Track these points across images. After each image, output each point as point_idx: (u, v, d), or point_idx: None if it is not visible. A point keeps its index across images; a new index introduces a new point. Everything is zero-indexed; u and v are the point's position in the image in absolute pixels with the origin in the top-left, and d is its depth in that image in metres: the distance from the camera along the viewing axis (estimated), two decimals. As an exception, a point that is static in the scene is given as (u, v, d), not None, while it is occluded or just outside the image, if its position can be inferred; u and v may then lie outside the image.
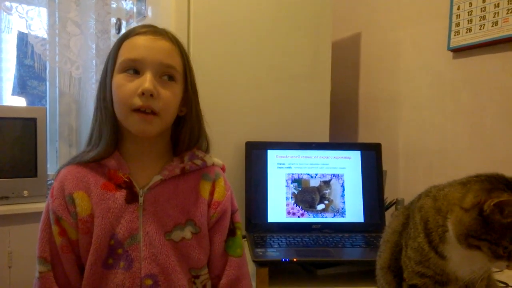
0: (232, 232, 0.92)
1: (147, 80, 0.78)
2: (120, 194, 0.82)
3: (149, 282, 0.81)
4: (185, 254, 0.85)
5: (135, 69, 0.80)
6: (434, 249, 0.70)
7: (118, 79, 0.81)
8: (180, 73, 0.85)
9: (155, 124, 0.81)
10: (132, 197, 0.83)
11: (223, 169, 0.96)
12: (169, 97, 0.81)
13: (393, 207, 1.46)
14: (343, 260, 1.12)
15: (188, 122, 0.88)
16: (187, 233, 0.85)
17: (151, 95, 0.78)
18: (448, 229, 0.67)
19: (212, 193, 0.90)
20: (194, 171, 0.89)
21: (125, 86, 0.79)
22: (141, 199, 0.83)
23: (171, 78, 0.83)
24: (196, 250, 0.86)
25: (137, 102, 0.78)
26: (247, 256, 0.97)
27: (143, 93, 0.78)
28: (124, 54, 0.82)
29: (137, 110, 0.79)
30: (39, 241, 0.82)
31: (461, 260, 0.69)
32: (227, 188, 0.93)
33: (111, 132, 0.84)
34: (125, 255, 0.81)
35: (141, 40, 0.82)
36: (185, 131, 0.88)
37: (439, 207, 0.69)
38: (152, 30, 0.84)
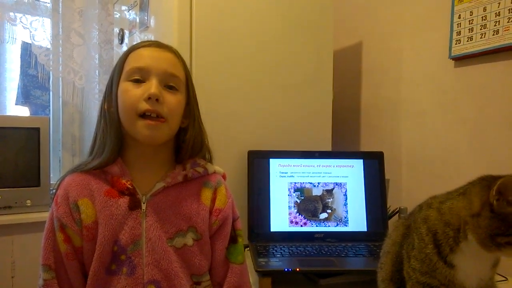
0: (233, 239, 0.93)
1: (153, 85, 0.81)
2: (123, 201, 0.83)
3: None
4: (187, 260, 0.86)
5: (141, 77, 0.83)
6: (443, 259, 0.70)
7: (125, 86, 0.84)
8: (183, 84, 0.88)
9: (162, 130, 0.83)
10: (134, 203, 0.84)
11: (224, 177, 0.98)
12: (174, 103, 0.84)
13: (396, 216, 1.45)
14: (346, 269, 1.12)
15: (190, 132, 0.89)
16: (189, 239, 0.86)
17: (157, 100, 0.81)
18: (461, 240, 0.68)
19: (213, 201, 0.91)
20: (195, 179, 0.91)
21: (132, 92, 0.82)
22: (143, 206, 0.84)
23: (175, 87, 0.85)
24: (197, 257, 0.87)
25: (144, 106, 0.80)
26: (249, 266, 0.97)
27: (149, 98, 0.80)
28: (131, 63, 0.85)
29: (143, 115, 0.81)
30: (43, 248, 0.83)
31: (470, 269, 0.70)
32: (229, 195, 0.94)
33: (115, 139, 0.85)
34: (128, 261, 0.82)
35: (147, 51, 0.86)
36: (188, 140, 0.89)
37: (448, 221, 0.69)
38: (157, 43, 0.88)
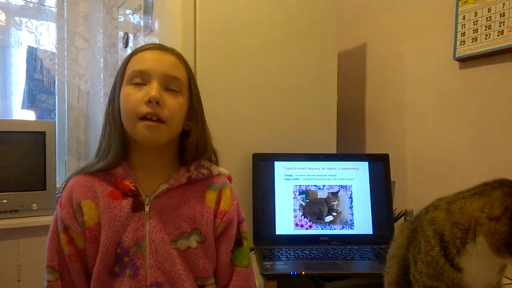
0: (238, 242, 0.93)
1: (153, 89, 0.81)
2: (127, 203, 0.84)
3: None
4: (191, 263, 0.85)
5: (142, 80, 0.83)
6: (450, 262, 0.69)
7: (126, 89, 0.84)
8: (185, 86, 0.88)
9: (162, 131, 0.82)
10: (138, 205, 0.84)
11: (229, 179, 0.97)
12: (175, 106, 0.84)
13: (402, 218, 1.45)
14: (352, 273, 1.12)
15: (193, 134, 0.89)
16: (193, 242, 0.85)
17: (157, 103, 0.81)
18: (468, 242, 0.67)
19: (218, 203, 0.90)
20: (200, 181, 0.90)
21: (133, 95, 0.82)
22: (147, 208, 0.84)
23: (176, 89, 0.85)
24: (201, 259, 0.86)
25: (144, 109, 0.80)
26: (255, 269, 0.97)
27: (149, 101, 0.80)
28: (132, 67, 0.85)
29: (144, 118, 0.81)
30: (47, 250, 0.84)
31: (477, 272, 0.69)
32: (234, 197, 0.93)
33: (119, 142, 0.85)
34: (131, 263, 0.82)
35: (148, 54, 0.86)
36: (191, 142, 0.89)
37: (457, 220, 0.69)
38: (159, 46, 0.88)
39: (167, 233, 0.84)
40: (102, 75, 2.21)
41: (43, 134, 1.81)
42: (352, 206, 1.34)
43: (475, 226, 0.66)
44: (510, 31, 1.22)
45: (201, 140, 0.90)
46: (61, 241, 0.83)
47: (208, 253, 0.88)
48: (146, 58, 0.85)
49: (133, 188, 0.84)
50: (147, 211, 0.84)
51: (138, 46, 0.91)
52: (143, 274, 0.81)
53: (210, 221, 0.88)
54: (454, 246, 0.69)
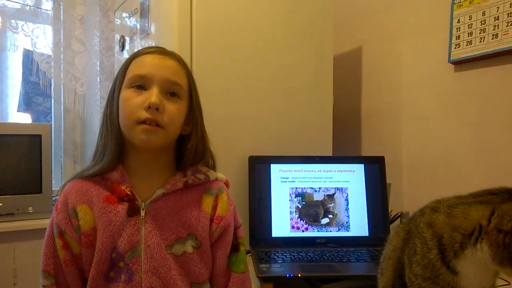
0: (235, 247, 0.92)
1: (153, 94, 0.80)
2: (122, 207, 0.83)
3: None
4: (187, 268, 0.85)
5: (142, 84, 0.82)
6: (446, 265, 0.69)
7: (126, 93, 0.83)
8: (185, 92, 0.87)
9: (159, 135, 0.82)
10: (134, 210, 0.83)
11: (226, 184, 0.97)
12: (174, 112, 0.83)
13: (398, 220, 1.45)
14: (348, 275, 1.12)
15: (192, 140, 0.89)
16: (188, 247, 0.85)
17: (157, 109, 0.80)
18: (468, 247, 0.67)
19: (215, 208, 0.90)
20: (196, 186, 0.90)
21: (132, 100, 0.82)
22: (142, 212, 0.84)
23: (176, 95, 0.85)
24: (197, 265, 0.86)
25: (143, 115, 0.80)
26: (251, 272, 0.97)
27: (149, 107, 0.80)
28: (133, 71, 0.84)
29: (142, 123, 0.80)
30: (43, 254, 0.83)
31: (473, 275, 0.69)
32: (230, 203, 0.93)
33: (115, 146, 0.85)
34: (126, 268, 0.81)
35: (149, 58, 0.85)
36: (189, 149, 0.89)
37: (459, 224, 0.68)
38: (160, 50, 0.87)
39: (162, 238, 0.83)
40: (98, 78, 2.20)
41: (39, 137, 1.80)
42: (348, 208, 1.34)
43: (479, 233, 0.66)
44: (504, 34, 1.23)
45: (199, 145, 0.90)
46: (56, 246, 0.82)
47: (204, 258, 0.87)
48: (147, 62, 0.84)
49: (129, 193, 0.84)
50: (142, 216, 0.84)
51: (139, 49, 0.90)
52: (138, 279, 0.81)
53: (206, 226, 0.87)
54: (452, 249, 0.68)
